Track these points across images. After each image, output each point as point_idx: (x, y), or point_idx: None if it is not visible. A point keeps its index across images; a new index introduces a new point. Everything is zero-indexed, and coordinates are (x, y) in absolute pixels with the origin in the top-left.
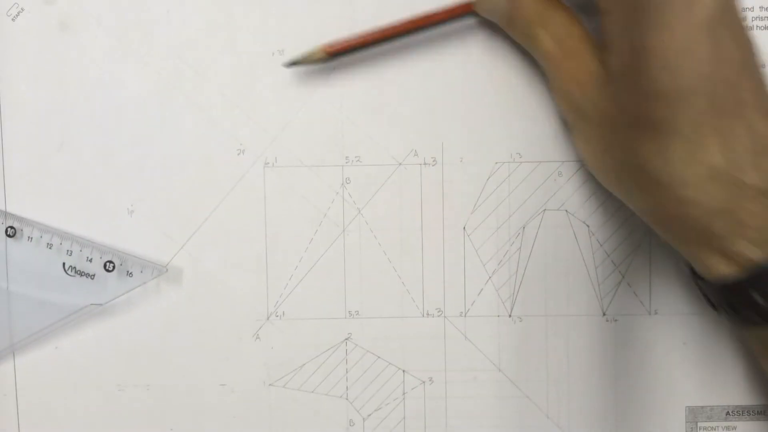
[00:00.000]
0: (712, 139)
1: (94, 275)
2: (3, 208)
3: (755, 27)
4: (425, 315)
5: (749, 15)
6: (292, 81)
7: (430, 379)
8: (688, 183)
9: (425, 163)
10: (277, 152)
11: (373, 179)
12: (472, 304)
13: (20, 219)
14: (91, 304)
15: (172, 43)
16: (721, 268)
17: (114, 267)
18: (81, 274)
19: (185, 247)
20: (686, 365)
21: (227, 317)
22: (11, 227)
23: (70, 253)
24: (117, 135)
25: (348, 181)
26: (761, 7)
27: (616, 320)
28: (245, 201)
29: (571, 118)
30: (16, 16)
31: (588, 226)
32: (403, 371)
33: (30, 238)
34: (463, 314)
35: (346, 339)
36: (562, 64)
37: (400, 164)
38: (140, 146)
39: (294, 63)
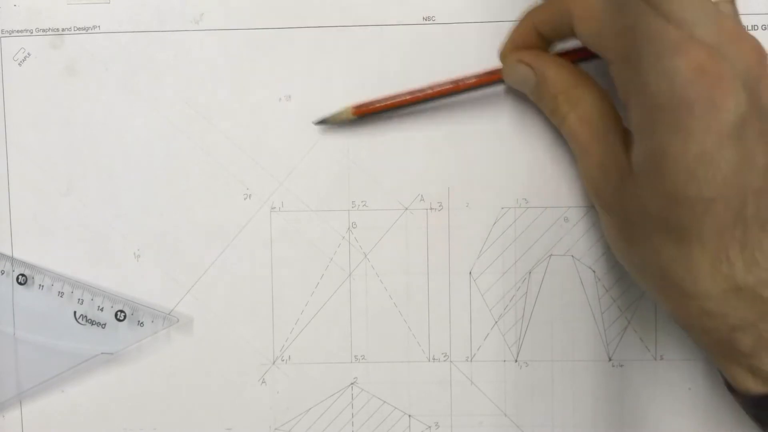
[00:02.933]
0: (737, 251)
1: (105, 324)
2: (11, 254)
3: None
4: (431, 360)
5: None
6: (299, 126)
7: (436, 423)
8: (711, 295)
9: (431, 208)
10: (283, 197)
11: (379, 224)
12: (478, 349)
13: (31, 266)
14: (102, 353)
15: (179, 87)
16: (748, 384)
17: (125, 316)
18: (92, 322)
19: (191, 291)
20: (690, 411)
21: (233, 361)
22: (22, 275)
23: (81, 301)
24: (124, 179)
25: (354, 226)
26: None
27: (621, 365)
28: (252, 245)
29: (596, 203)
30: (23, 60)
31: (594, 271)
32: (409, 416)
33: (41, 286)
34: (469, 359)
35: (352, 383)
36: (590, 147)
37: (407, 209)
38: (147, 190)
39: (322, 122)
